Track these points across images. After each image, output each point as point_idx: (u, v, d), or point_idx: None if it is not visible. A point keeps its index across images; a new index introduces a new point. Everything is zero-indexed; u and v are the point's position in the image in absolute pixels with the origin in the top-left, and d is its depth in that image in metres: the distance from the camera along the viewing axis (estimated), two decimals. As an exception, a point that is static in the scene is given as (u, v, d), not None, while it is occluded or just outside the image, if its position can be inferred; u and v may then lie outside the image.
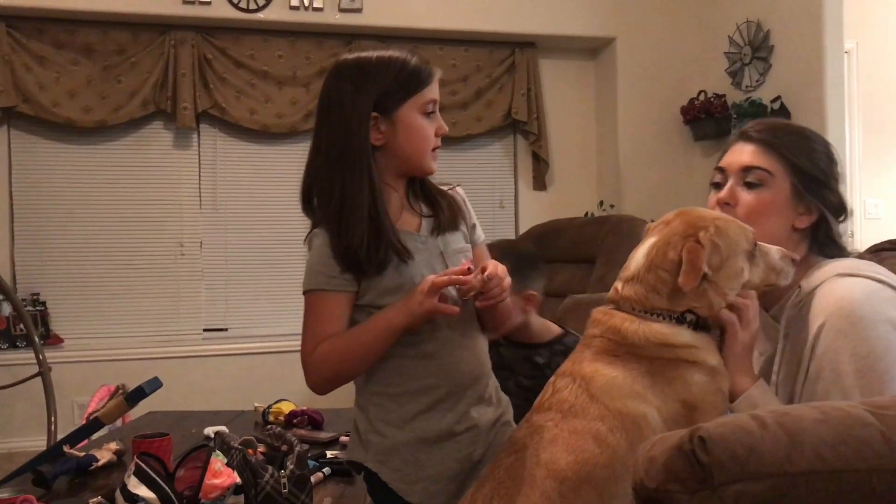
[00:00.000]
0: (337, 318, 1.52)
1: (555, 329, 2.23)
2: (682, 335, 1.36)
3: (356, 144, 1.49)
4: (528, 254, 2.19)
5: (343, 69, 1.54)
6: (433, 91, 1.54)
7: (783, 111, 4.06)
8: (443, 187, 1.65)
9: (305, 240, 1.59)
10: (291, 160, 4.59)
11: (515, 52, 4.80)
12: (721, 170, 1.54)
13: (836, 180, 1.50)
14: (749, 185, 1.48)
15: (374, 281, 1.50)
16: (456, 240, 1.61)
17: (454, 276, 1.43)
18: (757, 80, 4.30)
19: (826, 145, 1.52)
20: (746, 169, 1.48)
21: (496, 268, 1.45)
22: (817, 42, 3.91)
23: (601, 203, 4.74)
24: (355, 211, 1.48)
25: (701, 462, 0.87)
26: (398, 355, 1.53)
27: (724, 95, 4.49)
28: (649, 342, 1.35)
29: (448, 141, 4.73)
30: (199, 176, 4.51)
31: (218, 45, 4.41)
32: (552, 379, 1.43)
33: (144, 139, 4.44)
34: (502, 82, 4.79)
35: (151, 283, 4.43)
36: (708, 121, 4.53)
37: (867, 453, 0.86)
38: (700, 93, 4.59)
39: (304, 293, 1.56)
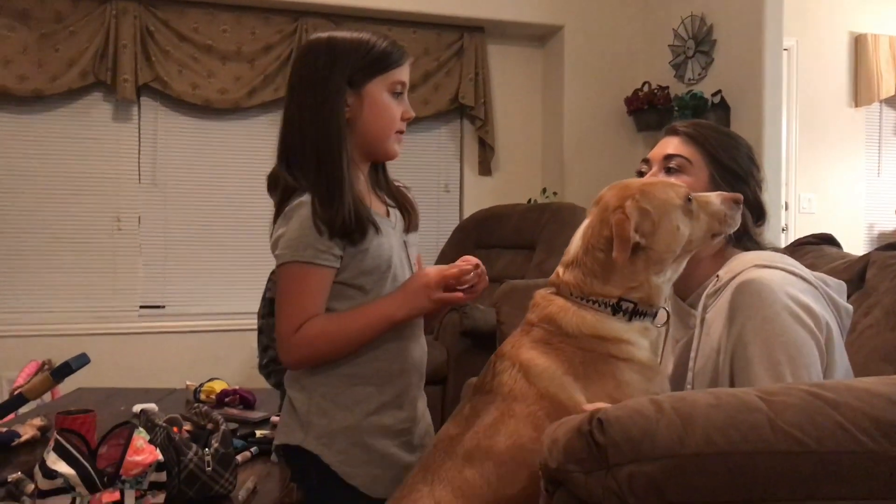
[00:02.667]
0: (321, 294, 1.51)
1: None
2: (614, 328, 1.37)
3: (331, 119, 1.51)
4: None
5: (315, 45, 1.57)
6: (402, 73, 1.58)
7: (723, 105, 4.15)
8: (395, 184, 1.70)
9: (283, 212, 1.53)
10: (234, 137, 4.54)
11: (464, 36, 4.80)
12: (647, 161, 1.61)
13: (757, 183, 1.56)
14: (669, 171, 1.54)
15: (354, 259, 1.51)
16: (413, 240, 1.69)
17: (465, 270, 1.52)
18: (699, 74, 4.37)
19: (749, 149, 1.59)
20: (668, 157, 1.55)
21: (480, 263, 1.56)
22: (758, 38, 3.98)
23: (544, 190, 4.79)
24: (340, 182, 1.49)
25: (598, 443, 0.91)
26: None
27: (667, 87, 4.55)
28: (582, 333, 1.36)
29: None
30: (139, 150, 4.41)
31: (161, 16, 4.31)
32: (492, 358, 1.45)
33: (83, 111, 4.33)
34: (450, 66, 4.79)
35: (87, 257, 4.33)
36: (651, 112, 4.59)
37: (753, 436, 0.90)
38: (644, 84, 4.66)
39: (285, 264, 1.51)
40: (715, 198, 1.43)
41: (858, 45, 5.57)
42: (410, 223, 1.67)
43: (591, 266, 1.39)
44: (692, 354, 1.46)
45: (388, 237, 1.57)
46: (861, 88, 5.57)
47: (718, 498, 0.90)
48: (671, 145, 1.56)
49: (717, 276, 1.45)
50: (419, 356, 1.64)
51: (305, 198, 1.49)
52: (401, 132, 1.60)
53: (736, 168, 1.53)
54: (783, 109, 4.20)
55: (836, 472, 0.91)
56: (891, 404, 0.94)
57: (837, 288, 1.44)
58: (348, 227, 1.48)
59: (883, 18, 5.64)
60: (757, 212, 1.55)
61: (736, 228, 1.46)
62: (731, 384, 1.35)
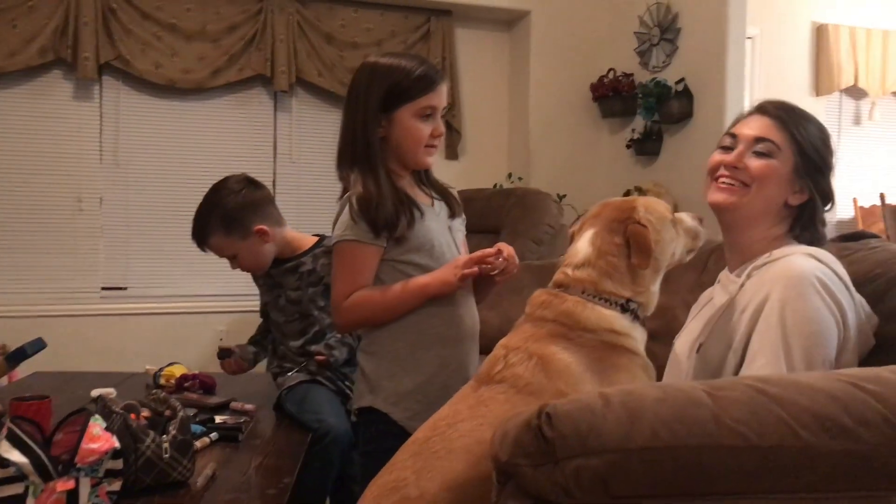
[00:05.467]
0: (369, 269, 1.78)
1: (310, 238, 2.53)
2: (625, 324, 1.48)
3: (366, 135, 1.78)
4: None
5: (363, 68, 1.84)
6: (433, 98, 1.80)
7: (686, 93, 4.18)
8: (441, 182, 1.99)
9: (339, 199, 1.84)
10: (198, 117, 4.48)
11: (431, 19, 4.78)
12: (733, 136, 1.62)
13: (830, 169, 1.60)
14: (758, 154, 1.56)
15: (402, 240, 1.78)
16: (458, 225, 1.97)
17: (487, 253, 1.73)
18: (664, 62, 4.40)
19: (827, 136, 1.62)
20: (758, 139, 1.56)
21: (511, 249, 1.78)
22: (722, 27, 4.02)
23: (510, 175, 4.80)
24: (378, 187, 1.75)
25: (546, 437, 0.92)
26: (411, 312, 1.78)
27: (632, 75, 4.58)
28: (600, 327, 1.45)
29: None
30: (101, 130, 4.34)
31: (123, -7, 4.24)
32: (501, 352, 1.48)
33: (42, 89, 4.24)
34: (417, 49, 4.76)
35: (47, 238, 4.26)
36: (615, 99, 4.62)
37: (698, 431, 0.92)
38: (609, 71, 4.67)
39: (337, 244, 1.80)
40: (686, 216, 1.59)
41: (820, 35, 5.66)
42: (454, 211, 1.94)
43: (605, 268, 1.50)
44: (718, 313, 1.53)
45: (432, 221, 1.84)
46: (822, 78, 5.66)
47: (663, 492, 0.92)
48: (762, 127, 1.57)
49: (771, 253, 1.51)
50: (471, 324, 1.87)
51: (353, 194, 1.77)
52: (431, 146, 1.84)
53: (816, 158, 1.56)
54: (746, 98, 4.24)
55: (778, 466, 0.93)
56: (831, 400, 0.97)
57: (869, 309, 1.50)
58: (391, 222, 1.74)
59: (844, 9, 5.73)
60: (826, 197, 1.59)
61: (702, 244, 1.61)
62: (747, 343, 1.42)
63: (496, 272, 1.77)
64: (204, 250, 2.48)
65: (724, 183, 1.58)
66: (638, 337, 1.50)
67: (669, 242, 1.54)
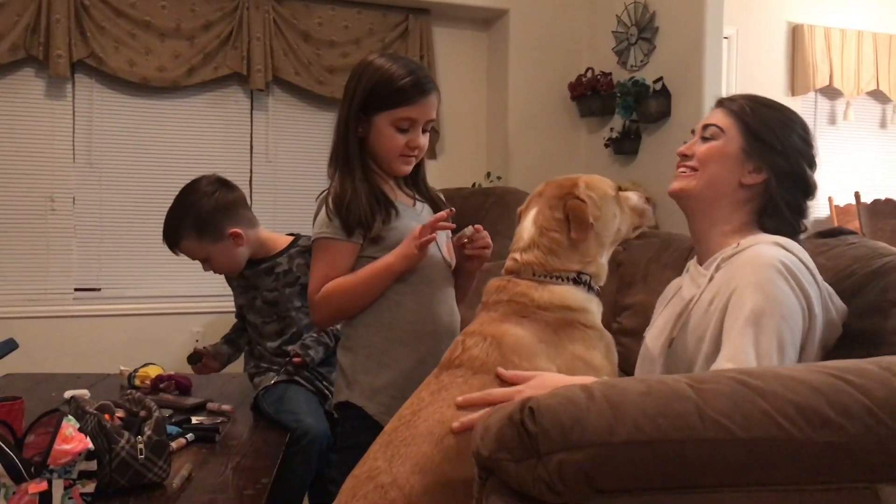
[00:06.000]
0: (344, 264, 1.79)
1: (285, 238, 2.52)
2: (579, 297, 1.51)
3: (346, 134, 1.81)
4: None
5: (358, 66, 1.84)
6: (412, 111, 1.79)
7: (664, 92, 4.19)
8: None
9: (318, 197, 1.84)
10: (173, 116, 4.43)
11: (409, 17, 4.76)
12: (694, 131, 1.70)
13: (805, 158, 1.59)
14: (704, 139, 1.62)
15: (377, 239, 1.78)
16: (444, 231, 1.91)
17: (440, 216, 1.72)
18: (641, 61, 4.41)
19: (801, 126, 1.62)
20: (705, 126, 1.62)
21: (480, 227, 1.84)
22: (699, 26, 4.03)
23: (489, 174, 4.79)
24: (353, 185, 1.77)
25: (529, 431, 0.91)
26: (387, 307, 1.80)
27: (610, 74, 4.59)
28: (553, 304, 1.48)
29: (337, 106, 4.64)
30: (73, 128, 4.28)
31: (96, -10, 4.18)
32: (460, 338, 1.53)
33: (13, 87, 4.17)
34: (395, 48, 4.74)
35: (18, 239, 4.19)
36: (594, 98, 4.62)
37: (681, 425, 0.92)
38: (588, 70, 4.68)
39: (315, 241, 1.82)
40: (633, 195, 1.64)
41: (796, 35, 5.70)
42: (439, 210, 1.89)
43: (549, 245, 1.54)
44: (689, 307, 1.54)
45: (411, 220, 1.82)
46: (797, 78, 5.71)
47: (647, 485, 0.92)
48: (711, 116, 1.64)
49: (739, 243, 1.52)
50: (448, 320, 1.86)
51: (329, 191, 1.80)
52: (407, 156, 1.83)
53: (769, 138, 1.57)
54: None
55: (762, 459, 0.93)
56: (814, 392, 0.97)
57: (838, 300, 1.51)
58: (364, 220, 1.75)
59: (819, 10, 5.78)
60: (802, 187, 1.59)
61: (651, 224, 1.59)
62: (719, 334, 1.42)
63: (466, 241, 1.82)
64: (176, 253, 2.44)
65: (680, 172, 1.64)
66: (593, 310, 1.54)
67: (612, 218, 1.59)
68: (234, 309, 2.66)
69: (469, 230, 1.84)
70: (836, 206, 5.61)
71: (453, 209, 1.78)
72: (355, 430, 1.80)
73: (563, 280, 1.52)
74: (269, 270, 2.45)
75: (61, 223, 4.27)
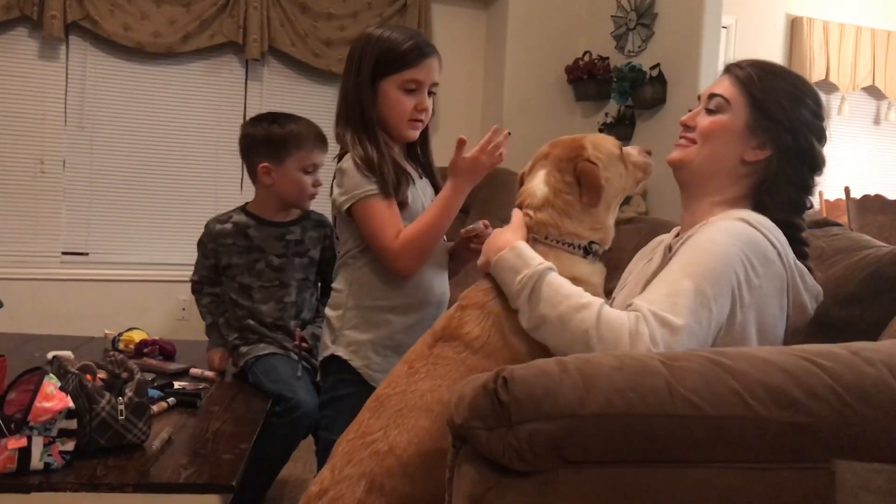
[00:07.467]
0: (395, 214, 1.80)
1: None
2: (585, 271, 1.47)
3: (360, 101, 1.83)
4: None
5: (361, 37, 1.89)
6: (418, 73, 1.84)
7: (661, 79, 4.19)
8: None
9: (337, 170, 1.86)
10: (166, 83, 4.40)
11: (408, -7, 4.74)
12: (699, 98, 1.61)
13: (813, 132, 1.52)
14: (709, 111, 1.54)
15: (402, 205, 1.82)
16: None
17: (490, 138, 1.86)
18: (639, 46, 4.40)
19: (813, 98, 1.54)
20: (711, 96, 1.55)
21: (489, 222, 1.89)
22: (698, 14, 4.02)
23: (481, 154, 4.78)
24: (377, 150, 1.81)
25: (501, 401, 0.92)
26: (381, 273, 1.84)
27: (607, 58, 4.58)
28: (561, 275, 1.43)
29: (332, 79, 4.64)
30: (66, 91, 4.25)
31: (93, -48, 4.14)
32: (457, 307, 1.48)
33: (6, 46, 4.13)
34: (393, 23, 4.72)
35: (7, 200, 4.17)
36: (590, 82, 4.61)
37: (652, 400, 0.93)
38: (585, 53, 4.67)
39: (359, 202, 1.79)
40: (633, 149, 1.60)
41: (794, 27, 5.70)
42: (436, 189, 1.96)
43: (563, 207, 1.49)
44: (652, 274, 1.48)
45: (419, 191, 1.89)
46: (794, 70, 5.69)
47: (615, 458, 0.93)
48: (718, 84, 1.56)
49: (708, 221, 1.46)
50: (439, 293, 1.92)
51: (349, 159, 1.81)
52: (416, 120, 1.87)
53: (780, 116, 1.48)
54: (718, 86, 4.25)
55: (728, 436, 0.95)
56: (782, 372, 0.98)
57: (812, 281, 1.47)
58: (396, 182, 1.79)
59: (819, 4, 5.77)
60: (809, 162, 1.52)
61: (651, 176, 1.61)
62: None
63: (474, 235, 1.89)
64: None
65: (680, 142, 1.58)
66: (597, 282, 1.50)
67: (618, 178, 1.55)
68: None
69: (479, 226, 1.89)
70: (827, 201, 5.63)
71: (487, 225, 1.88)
72: (337, 384, 1.87)
73: (574, 248, 1.48)
74: (280, 237, 2.43)
75: (51, 186, 4.25)
